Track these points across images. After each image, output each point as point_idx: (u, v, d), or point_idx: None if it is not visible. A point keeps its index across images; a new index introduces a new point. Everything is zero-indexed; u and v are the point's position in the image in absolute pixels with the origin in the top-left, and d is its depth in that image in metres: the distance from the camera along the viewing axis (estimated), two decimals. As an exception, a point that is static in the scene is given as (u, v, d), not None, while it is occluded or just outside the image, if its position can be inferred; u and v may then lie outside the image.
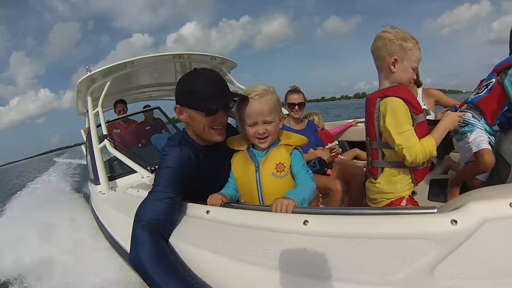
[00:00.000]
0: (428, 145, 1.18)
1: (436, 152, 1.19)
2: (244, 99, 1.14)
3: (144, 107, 4.62)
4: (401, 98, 1.20)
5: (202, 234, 1.03)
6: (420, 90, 2.40)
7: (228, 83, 3.94)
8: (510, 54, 1.73)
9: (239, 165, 1.23)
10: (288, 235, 0.84)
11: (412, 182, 1.31)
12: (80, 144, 3.99)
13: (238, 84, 3.96)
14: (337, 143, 3.01)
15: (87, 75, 2.85)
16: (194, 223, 1.10)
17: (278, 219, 0.92)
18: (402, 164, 1.25)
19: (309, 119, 2.74)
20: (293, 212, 0.93)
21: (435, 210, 0.76)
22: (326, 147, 2.85)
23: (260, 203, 1.15)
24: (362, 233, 0.75)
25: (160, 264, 0.93)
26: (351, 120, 3.42)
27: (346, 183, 2.26)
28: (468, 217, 0.67)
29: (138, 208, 1.11)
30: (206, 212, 1.09)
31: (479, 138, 1.75)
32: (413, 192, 1.35)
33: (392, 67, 1.25)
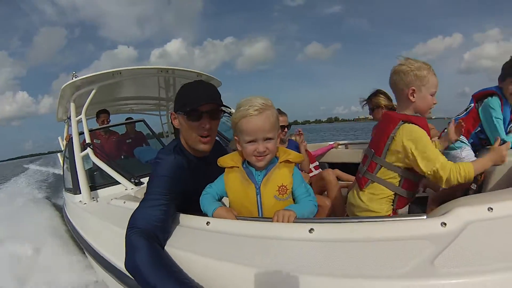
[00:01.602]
0: (465, 167, 1.16)
1: (473, 177, 1.17)
2: (241, 114, 1.07)
3: (126, 119, 4.55)
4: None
5: (203, 243, 1.01)
6: None
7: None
8: (499, 84, 1.95)
9: (237, 184, 1.15)
10: (295, 242, 0.88)
11: (393, 205, 1.37)
12: (54, 152, 3.85)
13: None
14: (318, 163, 3.10)
15: (72, 81, 2.78)
16: (194, 233, 1.08)
17: (283, 228, 0.94)
18: (392, 187, 1.33)
19: (290, 138, 2.81)
20: (297, 221, 0.97)
21: (425, 217, 0.88)
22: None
23: None
24: (366, 237, 0.82)
25: (157, 267, 0.91)
26: (332, 142, 3.51)
27: (323, 192, 2.39)
28: (455, 220, 0.81)
29: (131, 216, 1.09)
30: (206, 224, 1.08)
31: (471, 154, 1.91)
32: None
33: (411, 98, 1.29)
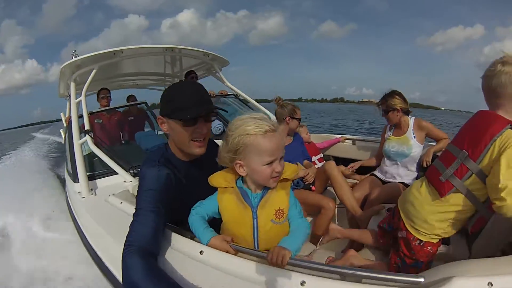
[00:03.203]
0: None
1: None
2: (257, 131, 0.97)
3: (128, 97, 4.46)
4: None
5: (194, 276, 0.99)
6: (411, 121, 2.42)
7: (219, 81, 3.82)
8: None
9: (232, 207, 1.10)
10: None
11: (467, 227, 1.23)
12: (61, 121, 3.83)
13: (228, 84, 3.93)
14: (322, 156, 3.04)
15: (72, 60, 2.71)
16: (185, 261, 1.06)
17: (276, 275, 0.91)
18: (477, 202, 1.17)
19: (296, 131, 2.76)
20: (291, 269, 0.92)
21: (422, 280, 0.82)
22: (315, 157, 2.89)
23: (255, 246, 1.10)
24: None
25: (154, 280, 0.91)
26: (340, 136, 3.44)
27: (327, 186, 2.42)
28: None
29: (128, 232, 1.07)
30: (200, 253, 1.05)
31: None
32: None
33: None
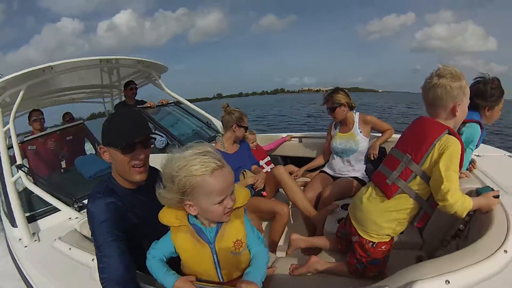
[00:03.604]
0: (467, 201, 1.18)
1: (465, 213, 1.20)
2: (203, 171, 0.92)
3: (64, 115, 4.10)
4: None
5: None
6: (356, 116, 2.55)
7: (158, 89, 3.62)
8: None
9: (189, 246, 1.05)
10: None
11: (414, 222, 1.34)
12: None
13: (168, 91, 3.82)
14: (269, 159, 3.08)
15: None
16: None
17: None
18: (422, 201, 1.28)
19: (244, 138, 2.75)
20: None
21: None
22: (262, 162, 2.94)
23: (219, 279, 1.08)
24: None
25: None
26: (285, 135, 3.45)
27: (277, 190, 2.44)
28: None
29: (98, 272, 1.08)
30: None
31: None
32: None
33: (456, 112, 1.25)
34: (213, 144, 3.12)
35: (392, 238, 1.40)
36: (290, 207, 2.26)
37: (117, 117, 1.25)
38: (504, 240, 1.05)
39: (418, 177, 1.27)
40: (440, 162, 1.17)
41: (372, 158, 2.50)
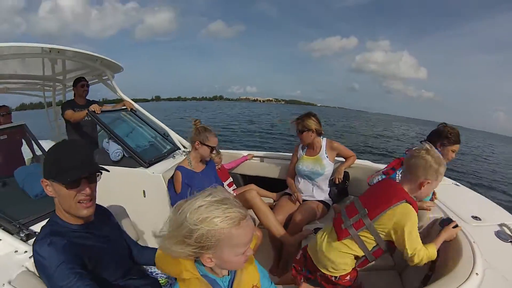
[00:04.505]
0: (431, 251, 1.37)
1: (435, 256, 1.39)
2: (230, 223, 0.84)
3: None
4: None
5: None
6: (324, 142, 2.63)
7: (111, 91, 3.22)
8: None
9: None
10: None
11: (356, 263, 1.51)
12: None
13: (121, 94, 3.44)
14: (232, 180, 3.01)
15: None
16: None
17: None
18: (366, 250, 1.46)
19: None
20: None
21: None
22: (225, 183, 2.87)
23: None
24: None
25: None
26: (246, 154, 3.36)
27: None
28: None
29: None
30: None
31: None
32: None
33: (422, 187, 1.42)
34: (172, 159, 2.98)
35: (353, 268, 1.52)
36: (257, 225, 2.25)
37: (61, 150, 1.17)
38: (474, 265, 1.24)
39: (367, 230, 1.44)
40: (404, 230, 1.34)
41: (337, 182, 2.58)
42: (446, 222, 1.56)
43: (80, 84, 3.33)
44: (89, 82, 3.46)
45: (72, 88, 3.45)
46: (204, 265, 0.93)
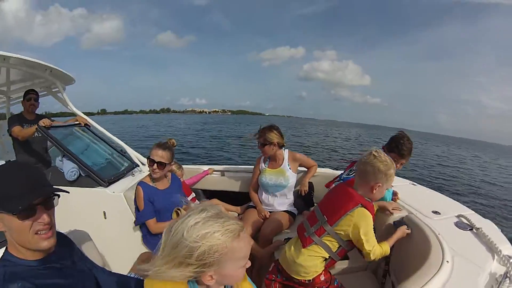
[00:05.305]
0: (385, 248, 1.56)
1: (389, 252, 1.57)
2: (230, 237, 0.83)
3: None
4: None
5: None
6: (286, 153, 2.66)
7: (62, 104, 2.95)
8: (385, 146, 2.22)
9: None
10: None
11: (325, 262, 1.62)
12: None
13: (74, 108, 3.13)
14: (194, 195, 2.89)
15: None
16: None
17: None
18: (330, 251, 1.59)
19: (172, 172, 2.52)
20: None
21: None
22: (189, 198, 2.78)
23: None
24: None
25: None
26: (207, 168, 3.30)
27: None
28: None
29: None
30: None
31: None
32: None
33: (374, 190, 1.53)
34: (132, 176, 2.86)
35: (324, 269, 1.65)
36: None
37: (6, 173, 0.96)
38: (443, 254, 1.38)
39: (329, 235, 1.58)
40: (360, 232, 1.49)
41: (303, 194, 2.65)
42: (399, 223, 1.77)
43: (28, 97, 3.05)
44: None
45: (17, 101, 3.14)
46: (198, 285, 0.89)
